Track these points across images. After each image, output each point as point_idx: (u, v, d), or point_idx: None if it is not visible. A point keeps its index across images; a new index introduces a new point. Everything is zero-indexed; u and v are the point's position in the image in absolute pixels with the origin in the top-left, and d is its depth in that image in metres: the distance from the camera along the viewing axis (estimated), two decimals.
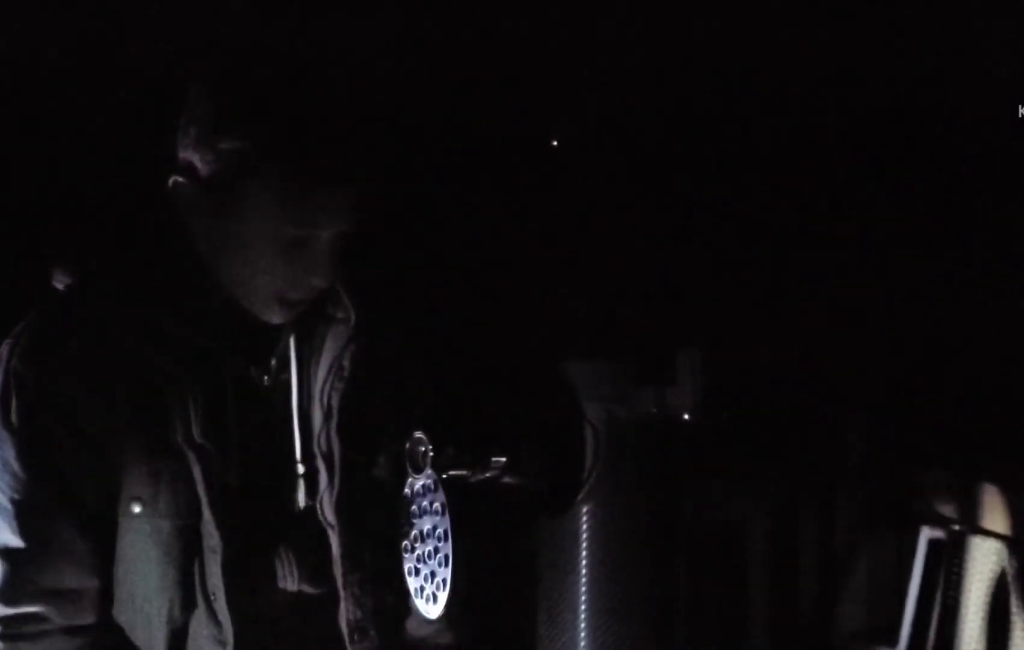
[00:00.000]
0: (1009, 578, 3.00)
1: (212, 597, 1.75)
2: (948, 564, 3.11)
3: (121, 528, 1.74)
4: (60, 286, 1.79)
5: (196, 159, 1.69)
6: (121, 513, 1.73)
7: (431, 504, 1.71)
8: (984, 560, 3.04)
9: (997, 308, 3.94)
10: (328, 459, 1.80)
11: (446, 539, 1.68)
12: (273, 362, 1.80)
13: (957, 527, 3.13)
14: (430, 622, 1.75)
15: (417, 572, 1.73)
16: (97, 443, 1.71)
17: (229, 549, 1.74)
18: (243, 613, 1.76)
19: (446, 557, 1.68)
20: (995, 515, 3.07)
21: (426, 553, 1.72)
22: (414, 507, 1.73)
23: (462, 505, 1.70)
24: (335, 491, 1.80)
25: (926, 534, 3.19)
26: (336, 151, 1.68)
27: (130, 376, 1.72)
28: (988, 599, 3.04)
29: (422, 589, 1.72)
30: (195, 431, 1.72)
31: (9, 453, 1.71)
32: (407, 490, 1.72)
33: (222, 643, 1.76)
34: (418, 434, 1.70)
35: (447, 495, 1.69)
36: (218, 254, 1.73)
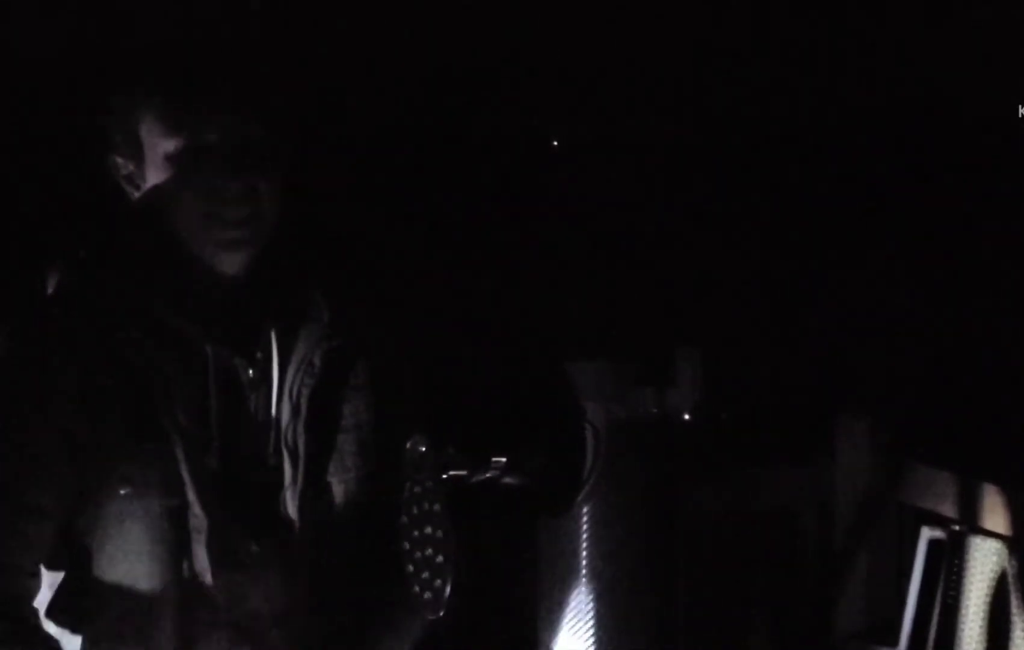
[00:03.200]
0: (1009, 578, 3.00)
1: (201, 577, 1.77)
2: (948, 564, 3.11)
3: (110, 510, 1.76)
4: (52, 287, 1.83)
5: (119, 134, 1.81)
6: (110, 494, 1.76)
7: (430, 505, 1.71)
8: (984, 560, 3.04)
9: (997, 307, 3.94)
10: (293, 455, 1.82)
11: (445, 540, 1.68)
12: (259, 355, 1.83)
13: (957, 527, 3.13)
14: (428, 624, 1.75)
15: (416, 574, 1.72)
16: (75, 424, 1.75)
17: (213, 530, 1.76)
18: (231, 593, 1.78)
19: (445, 559, 1.68)
20: (995, 515, 3.07)
21: (425, 555, 1.71)
22: (413, 508, 1.72)
23: (462, 506, 1.70)
24: (298, 489, 1.82)
25: (926, 534, 3.19)
26: (213, 70, 1.80)
27: (115, 358, 1.75)
28: (988, 599, 3.04)
29: (421, 591, 1.72)
30: (179, 414, 1.76)
31: None
32: (406, 491, 1.72)
33: (214, 622, 1.79)
34: (417, 434, 1.70)
35: (446, 496, 1.69)
36: (163, 207, 1.79)
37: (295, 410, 1.83)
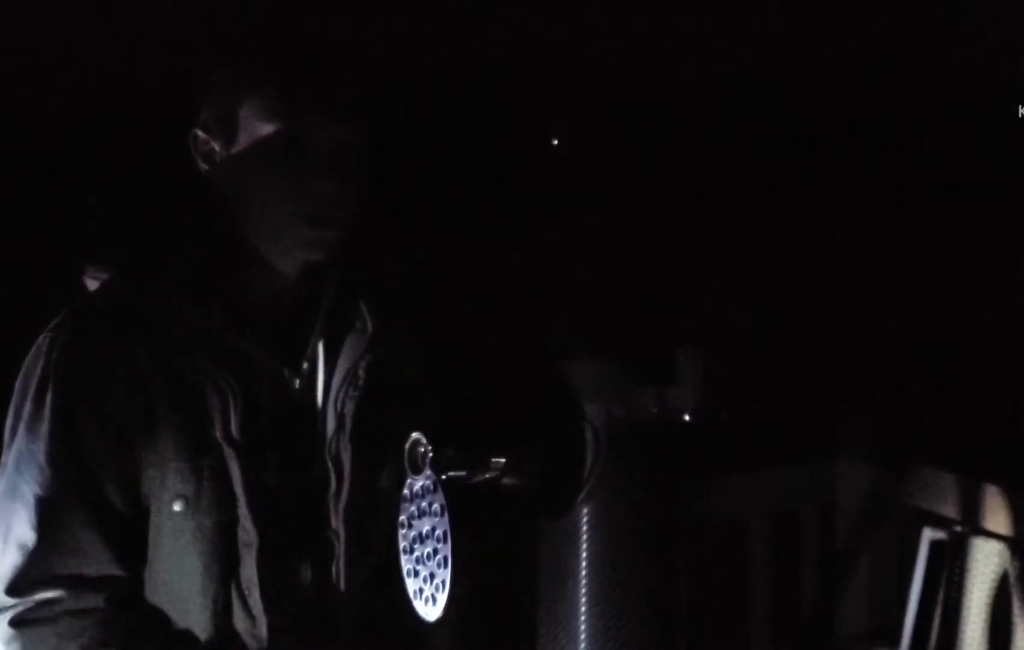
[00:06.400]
0: (1012, 580, 3.00)
1: (246, 592, 1.76)
2: (950, 565, 3.10)
3: (163, 526, 1.74)
4: (92, 283, 1.80)
5: (212, 112, 1.78)
6: (163, 511, 1.74)
7: (430, 505, 1.70)
8: (986, 562, 3.04)
9: (998, 308, 3.94)
10: (338, 467, 1.82)
11: (445, 540, 1.68)
12: (305, 366, 1.82)
13: (959, 528, 3.12)
14: (429, 624, 1.74)
15: (416, 573, 1.72)
16: (131, 440, 1.72)
17: (264, 544, 1.75)
18: (276, 607, 1.77)
19: (445, 559, 1.67)
20: (997, 516, 3.07)
21: (425, 554, 1.71)
22: (413, 508, 1.72)
23: (461, 506, 1.69)
24: (342, 499, 1.82)
25: (928, 535, 3.18)
26: (329, 66, 1.78)
27: (171, 374, 1.73)
28: (990, 601, 3.04)
29: (421, 591, 1.71)
30: (234, 428, 1.74)
31: (39, 446, 1.71)
32: (406, 491, 1.72)
33: (256, 637, 1.77)
34: (417, 435, 1.70)
35: (446, 496, 1.68)
36: (242, 193, 1.77)
37: (340, 422, 1.82)
